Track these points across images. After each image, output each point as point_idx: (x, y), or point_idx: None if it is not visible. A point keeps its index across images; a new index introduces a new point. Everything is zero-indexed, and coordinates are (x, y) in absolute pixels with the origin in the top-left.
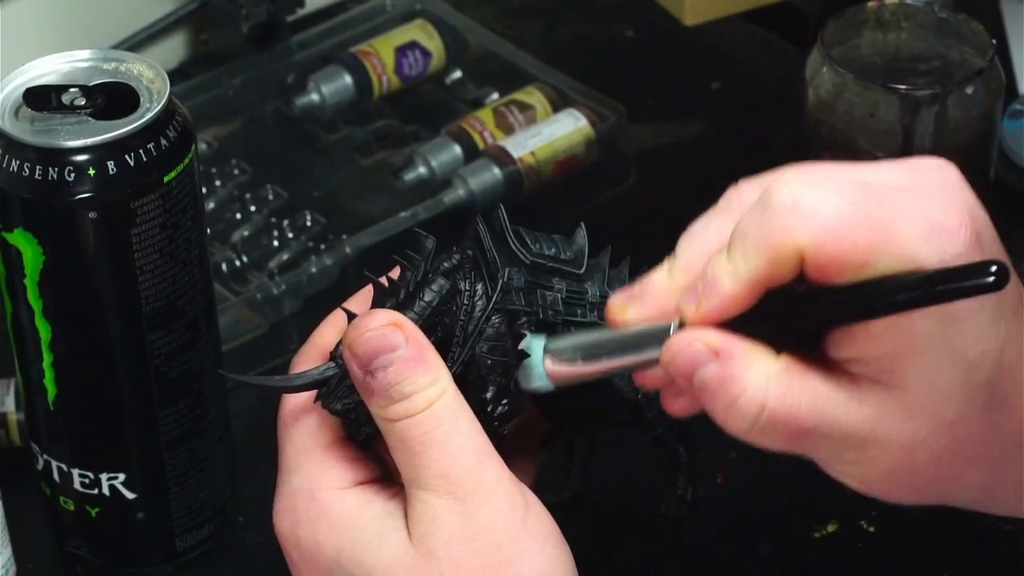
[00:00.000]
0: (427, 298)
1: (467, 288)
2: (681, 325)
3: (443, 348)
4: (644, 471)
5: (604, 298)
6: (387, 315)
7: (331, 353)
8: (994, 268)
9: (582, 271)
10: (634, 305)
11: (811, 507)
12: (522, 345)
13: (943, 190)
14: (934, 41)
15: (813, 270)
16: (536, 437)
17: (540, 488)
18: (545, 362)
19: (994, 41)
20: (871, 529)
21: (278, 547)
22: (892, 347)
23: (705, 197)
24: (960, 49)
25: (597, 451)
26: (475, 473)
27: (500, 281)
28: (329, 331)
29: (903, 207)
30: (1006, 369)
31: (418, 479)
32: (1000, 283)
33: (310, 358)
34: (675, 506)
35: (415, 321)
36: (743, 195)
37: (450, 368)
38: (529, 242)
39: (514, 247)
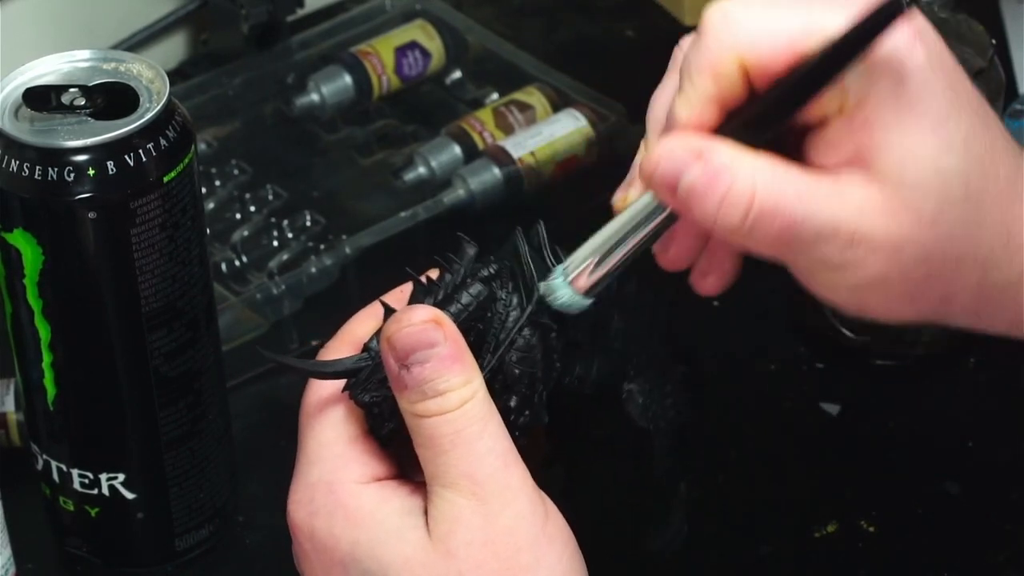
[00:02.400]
0: (464, 301)
1: (503, 297)
2: None
3: (474, 353)
4: (639, 505)
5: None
6: (428, 311)
7: (365, 344)
8: None
9: (611, 295)
10: (627, 188)
11: (811, 507)
12: (542, 283)
13: None
14: None
15: (758, 76)
16: (534, 461)
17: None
18: (567, 278)
19: (994, 41)
20: (871, 529)
21: (278, 547)
22: (855, 148)
23: None
24: (960, 49)
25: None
26: (500, 476)
27: (535, 295)
28: (362, 323)
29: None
30: (976, 162)
31: (443, 477)
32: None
33: (340, 348)
34: (668, 541)
35: None
36: (684, 46)
37: None
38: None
39: (550, 264)
